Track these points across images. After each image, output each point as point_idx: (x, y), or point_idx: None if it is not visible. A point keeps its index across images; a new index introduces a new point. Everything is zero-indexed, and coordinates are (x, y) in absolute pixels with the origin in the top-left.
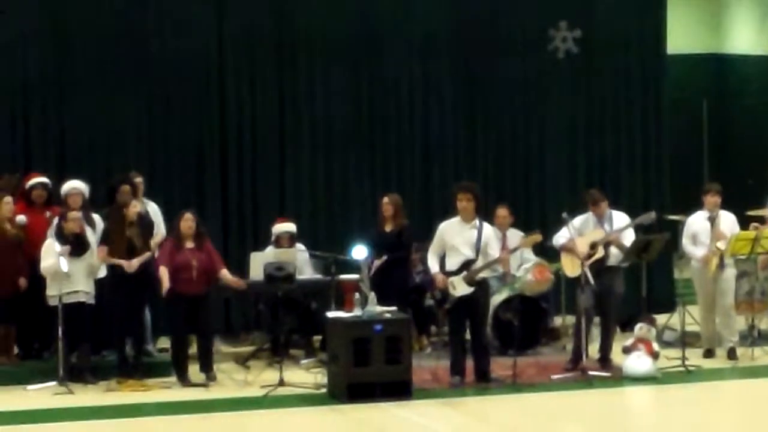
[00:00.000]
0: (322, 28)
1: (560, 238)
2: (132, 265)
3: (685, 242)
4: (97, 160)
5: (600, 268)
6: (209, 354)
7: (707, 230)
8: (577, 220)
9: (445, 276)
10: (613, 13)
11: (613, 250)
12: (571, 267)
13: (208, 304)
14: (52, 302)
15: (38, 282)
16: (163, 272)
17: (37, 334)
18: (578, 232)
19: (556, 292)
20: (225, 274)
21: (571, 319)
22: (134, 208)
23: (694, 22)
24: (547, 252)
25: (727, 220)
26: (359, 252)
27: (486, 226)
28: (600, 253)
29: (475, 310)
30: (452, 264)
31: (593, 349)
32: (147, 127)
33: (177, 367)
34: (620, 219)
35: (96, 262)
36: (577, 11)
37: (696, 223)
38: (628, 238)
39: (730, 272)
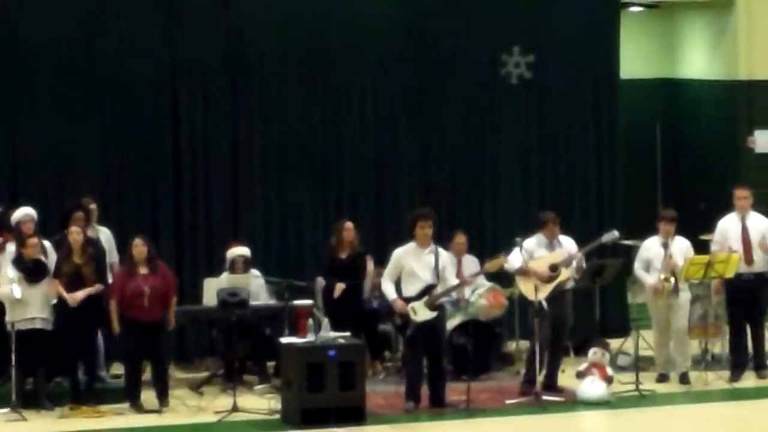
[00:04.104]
0: (276, 49)
1: (515, 261)
2: (75, 298)
3: (637, 267)
4: (49, 186)
5: (558, 291)
6: (164, 380)
7: (661, 256)
8: (529, 243)
9: (405, 302)
10: (567, 38)
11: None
12: (531, 290)
13: (163, 330)
14: (9, 328)
15: None
16: (113, 309)
17: None
18: (529, 255)
19: (509, 316)
20: (171, 305)
21: (525, 344)
22: (78, 234)
23: (646, 47)
24: (500, 277)
25: (682, 246)
26: None
27: (441, 251)
28: (564, 274)
29: (434, 336)
30: (411, 290)
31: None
32: (100, 153)
33: (130, 393)
34: (568, 243)
35: (50, 291)
36: (530, 36)
37: (650, 248)
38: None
39: (685, 296)
